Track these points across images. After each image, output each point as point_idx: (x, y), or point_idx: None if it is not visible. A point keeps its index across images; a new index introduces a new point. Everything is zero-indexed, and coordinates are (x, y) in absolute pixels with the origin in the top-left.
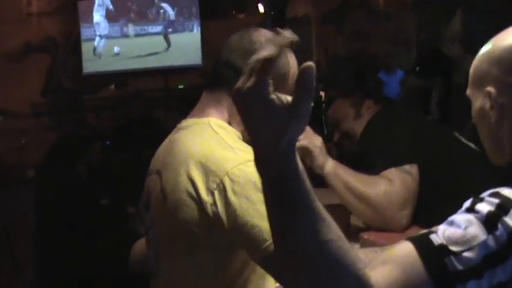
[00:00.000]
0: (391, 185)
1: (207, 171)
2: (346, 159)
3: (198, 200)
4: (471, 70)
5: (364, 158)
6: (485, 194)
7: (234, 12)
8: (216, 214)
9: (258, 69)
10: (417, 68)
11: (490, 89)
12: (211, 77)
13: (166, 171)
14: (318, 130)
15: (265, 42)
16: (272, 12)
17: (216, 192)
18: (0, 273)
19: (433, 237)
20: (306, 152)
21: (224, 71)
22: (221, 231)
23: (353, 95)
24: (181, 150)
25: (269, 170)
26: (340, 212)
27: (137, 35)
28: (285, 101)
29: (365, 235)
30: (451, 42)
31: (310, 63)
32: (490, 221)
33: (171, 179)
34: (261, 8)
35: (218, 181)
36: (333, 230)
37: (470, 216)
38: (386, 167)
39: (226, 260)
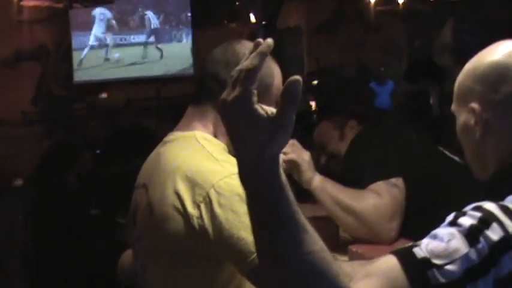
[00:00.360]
0: (379, 198)
1: (193, 185)
2: (337, 178)
3: (184, 213)
4: (455, 86)
5: (350, 175)
6: (468, 208)
7: (226, 21)
8: (202, 227)
9: (241, 80)
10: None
11: (474, 105)
12: (197, 90)
13: (152, 184)
14: (308, 142)
15: (248, 53)
16: (264, 22)
17: (202, 206)
18: None
19: (416, 250)
20: (294, 166)
21: (209, 83)
22: (207, 244)
23: (336, 116)
24: (167, 164)
25: (253, 181)
26: (328, 225)
27: (118, 45)
28: (269, 112)
29: (353, 248)
30: (441, 52)
31: (297, 76)
32: (472, 234)
33: (157, 192)
34: (252, 18)
35: (204, 194)
36: (316, 242)
37: (452, 230)
38: (373, 180)
39: (213, 272)
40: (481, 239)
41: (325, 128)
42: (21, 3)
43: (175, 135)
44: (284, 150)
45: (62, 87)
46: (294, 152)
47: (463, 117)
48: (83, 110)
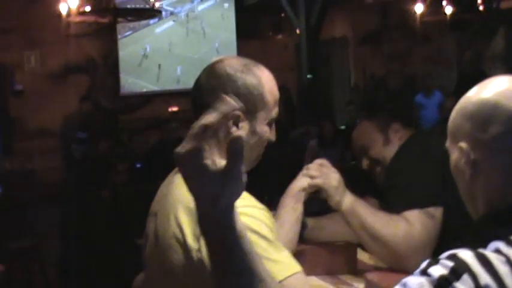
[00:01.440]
0: (411, 228)
1: (194, 217)
2: (378, 186)
3: (184, 245)
4: (448, 123)
5: (390, 191)
6: (443, 256)
7: (270, 33)
8: (200, 260)
9: (194, 135)
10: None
11: (463, 144)
12: (195, 118)
13: (160, 214)
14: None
15: (210, 109)
16: (307, 32)
17: (202, 239)
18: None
19: None
20: (321, 189)
21: (200, 113)
22: (204, 278)
23: (377, 117)
24: (173, 194)
25: (209, 232)
26: (347, 251)
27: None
28: (219, 166)
29: (369, 276)
30: (492, 62)
31: (239, 132)
32: (440, 286)
33: (163, 222)
34: (297, 29)
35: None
36: None
37: (422, 280)
38: (410, 207)
39: None
40: None
41: (365, 129)
42: (69, 18)
43: None
44: (311, 173)
45: (109, 99)
46: (321, 176)
47: (454, 155)
48: (128, 122)
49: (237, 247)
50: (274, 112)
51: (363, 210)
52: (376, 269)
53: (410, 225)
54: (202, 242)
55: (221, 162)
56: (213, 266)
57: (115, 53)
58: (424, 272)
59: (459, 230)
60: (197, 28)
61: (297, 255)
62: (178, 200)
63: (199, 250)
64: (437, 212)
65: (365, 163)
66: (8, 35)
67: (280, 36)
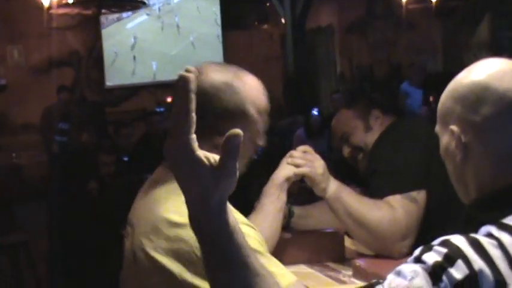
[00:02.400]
0: (394, 213)
1: (177, 235)
2: (361, 174)
3: (164, 266)
4: (438, 106)
5: (372, 176)
6: (435, 242)
7: (256, 23)
8: (184, 281)
9: (179, 129)
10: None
11: (454, 127)
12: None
13: (137, 227)
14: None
15: (175, 89)
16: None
17: (186, 256)
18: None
19: None
20: (306, 178)
21: None
22: None
23: (356, 105)
24: (151, 210)
25: (201, 226)
26: (334, 239)
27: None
28: (212, 160)
29: (357, 262)
30: (478, 49)
31: (237, 131)
32: (435, 273)
33: (140, 239)
34: (282, 18)
35: (188, 249)
36: (267, 285)
37: (416, 267)
38: (392, 192)
39: None
40: (444, 277)
41: (345, 117)
42: (51, 11)
43: (161, 174)
44: (297, 161)
45: (94, 92)
46: (306, 163)
47: (445, 139)
48: (114, 114)
49: (231, 241)
50: (262, 122)
51: (347, 197)
52: (362, 255)
53: (394, 210)
54: (186, 263)
55: (214, 156)
56: (206, 262)
57: (99, 45)
58: (418, 259)
59: (444, 214)
60: (172, 22)
61: (285, 243)
62: (158, 219)
63: (184, 271)
64: (419, 195)
65: (346, 151)
66: None
67: (265, 26)
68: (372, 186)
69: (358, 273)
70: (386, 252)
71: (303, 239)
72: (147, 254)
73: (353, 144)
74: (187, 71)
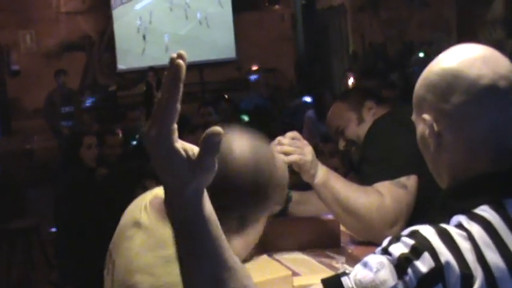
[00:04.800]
0: (383, 200)
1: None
2: (355, 165)
3: None
4: (413, 94)
5: (362, 163)
6: (404, 232)
7: (266, 3)
8: None
9: (160, 117)
10: None
11: (426, 116)
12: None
13: (118, 270)
14: None
15: (166, 74)
16: (304, 1)
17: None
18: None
19: (344, 280)
20: (295, 165)
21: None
22: None
23: (349, 97)
24: (133, 261)
25: (175, 215)
26: (329, 225)
27: None
28: (190, 153)
29: (350, 249)
30: (493, 26)
31: (217, 128)
32: (401, 265)
33: (122, 275)
34: None
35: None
36: (238, 279)
37: (383, 259)
38: (380, 179)
39: None
40: (409, 270)
41: (339, 110)
42: None
43: (150, 221)
44: (285, 149)
45: (106, 76)
46: (295, 151)
47: (420, 127)
48: (126, 98)
49: (204, 231)
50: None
51: (335, 183)
52: (357, 242)
53: (382, 197)
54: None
55: (194, 149)
56: (179, 253)
57: (110, 28)
58: (385, 251)
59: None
60: (181, 2)
61: (281, 229)
62: (133, 271)
63: None
64: (409, 181)
65: (341, 144)
66: (2, 14)
67: (276, 7)
68: (362, 174)
69: (351, 260)
70: (375, 239)
71: (299, 225)
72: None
73: (347, 137)
74: (179, 56)
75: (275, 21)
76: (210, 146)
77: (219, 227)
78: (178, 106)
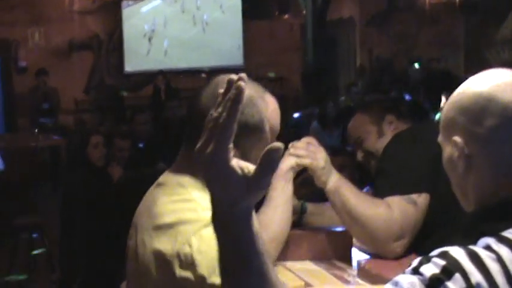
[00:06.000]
0: (390, 213)
1: (175, 233)
2: (372, 179)
3: (164, 262)
4: (441, 117)
5: (377, 176)
6: (434, 253)
7: (276, 13)
8: (183, 276)
9: (217, 135)
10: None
11: (457, 138)
12: (188, 129)
13: (140, 228)
14: None
15: (222, 94)
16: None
17: (182, 254)
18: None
19: None
20: (309, 170)
21: (198, 122)
22: None
23: (371, 110)
24: (153, 211)
25: (224, 231)
26: (342, 238)
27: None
28: (246, 171)
29: (362, 262)
30: (501, 46)
31: (278, 144)
32: (432, 285)
33: (142, 239)
34: (303, 9)
35: (185, 241)
36: None
37: (414, 279)
38: (391, 193)
39: None
40: None
41: (360, 122)
42: None
43: (167, 177)
44: (299, 152)
45: (113, 76)
46: (308, 155)
47: (447, 149)
48: (132, 99)
49: (252, 247)
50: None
51: (346, 191)
52: (368, 255)
53: (391, 210)
54: (183, 258)
55: (249, 167)
56: (223, 265)
57: (119, 29)
58: (416, 271)
59: (451, 219)
60: (191, 8)
61: (294, 239)
62: (158, 217)
63: (180, 266)
64: (420, 198)
65: (360, 155)
66: (13, 11)
67: (286, 17)
68: (376, 185)
69: (363, 274)
70: (379, 251)
71: (312, 236)
72: (147, 248)
73: (366, 149)
74: (240, 78)
75: (284, 30)
76: (270, 163)
77: (264, 243)
78: (235, 126)
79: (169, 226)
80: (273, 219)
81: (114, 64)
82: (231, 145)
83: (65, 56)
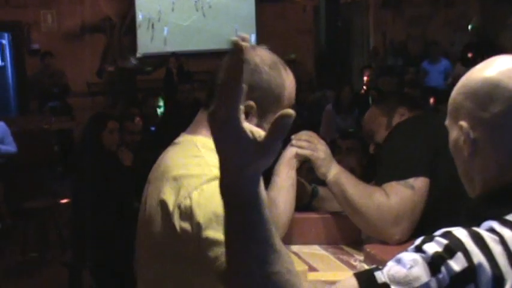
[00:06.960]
0: (386, 200)
1: (179, 186)
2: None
3: (166, 213)
4: (449, 101)
5: (378, 166)
6: (437, 233)
7: None
8: (182, 227)
9: (228, 97)
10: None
11: (463, 123)
12: (207, 94)
13: (151, 183)
14: None
15: (228, 57)
16: None
17: (182, 206)
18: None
19: (377, 274)
20: (311, 161)
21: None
22: (187, 244)
23: (384, 102)
24: (164, 165)
25: (231, 194)
26: (350, 222)
27: None
28: (256, 135)
29: (368, 248)
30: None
31: (291, 111)
32: (434, 263)
33: (151, 191)
34: None
35: (186, 195)
36: (284, 263)
37: (416, 256)
38: (387, 179)
39: (194, 276)
40: (443, 269)
41: (373, 114)
42: None
43: (183, 137)
44: (300, 143)
45: (126, 59)
46: (309, 147)
47: (454, 133)
48: (145, 82)
49: (259, 214)
50: None
51: (345, 182)
52: (376, 241)
53: (387, 197)
54: (183, 209)
55: (259, 131)
56: (229, 233)
57: (132, 12)
58: (419, 249)
59: (451, 205)
60: None
61: (303, 223)
62: (167, 171)
63: (180, 217)
64: (417, 182)
65: (371, 148)
66: None
67: None
68: (377, 175)
69: (369, 259)
70: (379, 237)
71: (321, 220)
72: (154, 199)
73: (376, 141)
74: (243, 39)
75: (297, 13)
76: (281, 128)
77: (269, 211)
78: (244, 86)
79: (175, 179)
80: (276, 202)
81: (126, 47)
82: (242, 107)
83: (77, 38)
